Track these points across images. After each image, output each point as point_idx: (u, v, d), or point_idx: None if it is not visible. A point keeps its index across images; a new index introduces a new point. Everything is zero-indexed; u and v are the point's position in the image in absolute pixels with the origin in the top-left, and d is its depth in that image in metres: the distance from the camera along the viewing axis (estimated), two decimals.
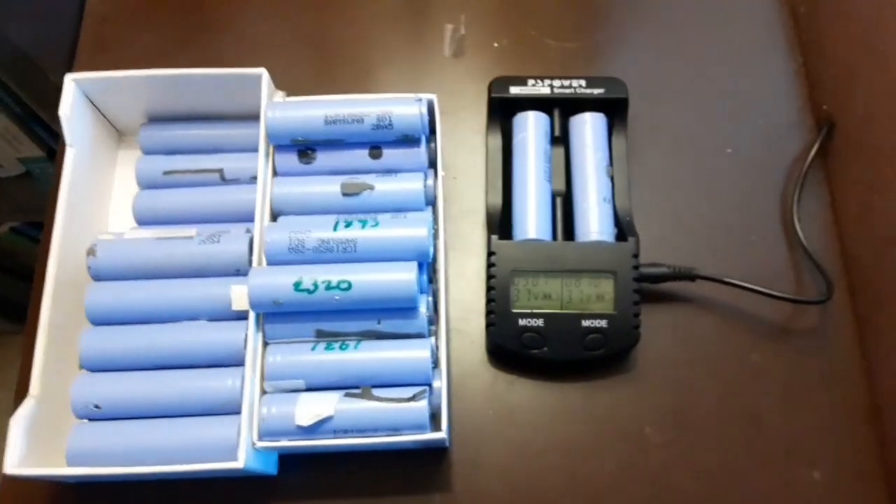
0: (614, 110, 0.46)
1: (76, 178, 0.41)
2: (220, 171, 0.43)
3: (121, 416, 0.37)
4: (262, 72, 0.41)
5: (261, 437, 0.36)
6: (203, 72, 0.42)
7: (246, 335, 0.38)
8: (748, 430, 0.42)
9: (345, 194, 0.41)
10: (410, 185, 0.41)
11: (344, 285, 0.36)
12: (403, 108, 0.40)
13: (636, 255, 0.41)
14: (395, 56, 0.51)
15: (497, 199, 0.44)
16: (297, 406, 0.36)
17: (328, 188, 0.41)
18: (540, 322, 0.41)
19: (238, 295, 0.38)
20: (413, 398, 0.37)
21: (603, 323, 0.41)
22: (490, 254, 0.42)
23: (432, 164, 0.42)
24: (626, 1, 0.53)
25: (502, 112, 0.46)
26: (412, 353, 0.38)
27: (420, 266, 0.38)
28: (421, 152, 0.41)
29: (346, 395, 0.37)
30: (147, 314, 0.39)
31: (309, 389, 0.38)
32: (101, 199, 0.45)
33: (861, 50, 0.46)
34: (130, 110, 0.45)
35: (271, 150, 0.42)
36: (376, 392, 0.37)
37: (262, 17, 0.52)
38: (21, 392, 0.38)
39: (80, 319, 0.39)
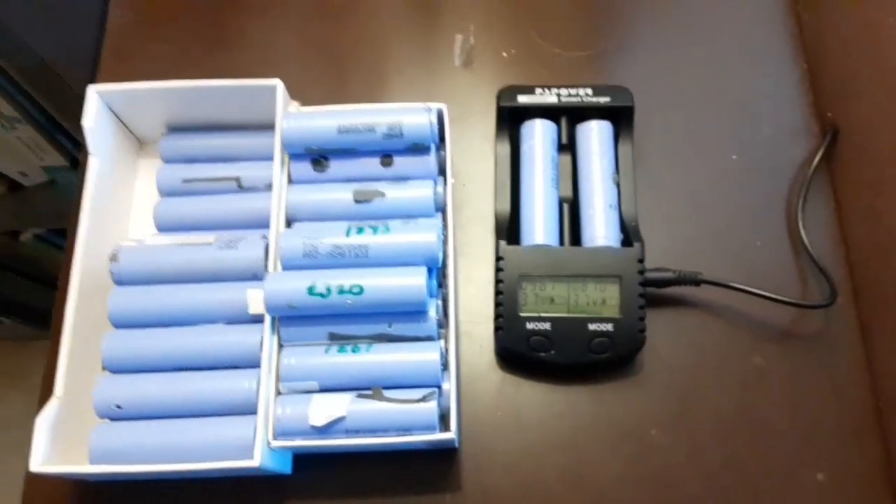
0: (620, 118, 0.47)
1: (99, 186, 0.42)
2: (238, 179, 0.45)
3: (141, 416, 0.39)
4: (278, 83, 0.43)
5: (276, 437, 0.37)
6: (220, 83, 0.43)
7: (262, 338, 0.39)
8: (752, 433, 0.43)
9: (357, 201, 0.42)
10: (420, 192, 0.42)
11: (356, 290, 0.38)
12: (413, 117, 0.41)
13: (641, 261, 0.42)
14: (407, 65, 0.53)
15: (505, 206, 0.45)
16: (310, 407, 0.38)
17: (341, 195, 0.42)
18: (547, 326, 0.42)
19: (254, 299, 0.39)
20: (423, 399, 0.38)
21: (609, 327, 0.42)
22: (498, 259, 0.43)
23: (442, 171, 0.44)
24: (632, 10, 0.54)
25: (510, 120, 0.47)
26: (422, 356, 0.39)
27: (429, 271, 0.39)
28: (430, 160, 0.43)
29: (358, 396, 0.38)
30: (167, 317, 0.40)
31: (322, 391, 0.39)
32: (122, 207, 0.46)
33: (863, 56, 0.46)
34: (151, 120, 0.46)
35: (286, 158, 0.43)
36: (387, 393, 0.38)
37: (276, 27, 0.54)
38: (45, 392, 0.40)
39: (103, 322, 0.40)
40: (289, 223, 0.42)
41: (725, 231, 0.47)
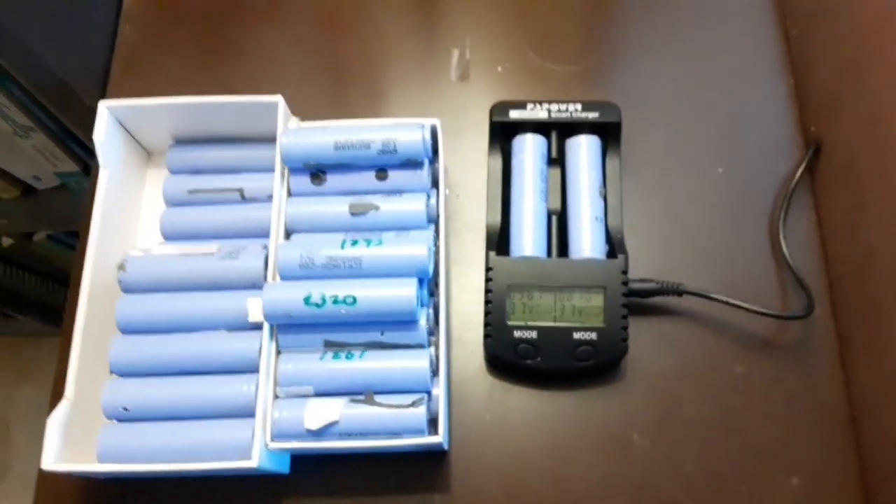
0: (608, 133, 0.48)
1: (109, 196, 0.44)
2: (241, 190, 0.47)
3: (147, 418, 0.41)
4: (279, 99, 0.45)
5: (273, 439, 0.40)
6: (225, 99, 0.45)
7: (261, 344, 0.41)
8: (731, 438, 0.44)
9: (353, 213, 0.44)
10: (413, 205, 0.44)
11: (350, 300, 0.40)
12: (407, 134, 0.43)
13: (625, 272, 0.44)
14: (405, 79, 0.54)
15: (496, 218, 0.47)
16: (306, 410, 0.40)
17: (337, 208, 0.44)
18: (534, 334, 0.43)
19: (254, 308, 0.41)
20: (413, 405, 0.40)
21: (593, 335, 0.43)
22: (488, 269, 0.44)
23: (435, 183, 0.45)
24: (623, 27, 0.56)
25: (502, 135, 0.49)
26: (412, 363, 0.41)
27: (420, 282, 0.41)
28: (423, 174, 0.44)
29: (352, 400, 0.40)
30: (171, 324, 0.42)
31: (317, 395, 0.41)
32: (131, 215, 0.48)
33: (847, 74, 0.47)
34: (158, 133, 0.48)
35: (286, 172, 0.45)
36: (379, 398, 0.40)
37: (278, 43, 0.55)
38: (56, 394, 0.42)
39: (111, 328, 0.43)
40: (288, 234, 0.44)
41: (709, 243, 0.49)
